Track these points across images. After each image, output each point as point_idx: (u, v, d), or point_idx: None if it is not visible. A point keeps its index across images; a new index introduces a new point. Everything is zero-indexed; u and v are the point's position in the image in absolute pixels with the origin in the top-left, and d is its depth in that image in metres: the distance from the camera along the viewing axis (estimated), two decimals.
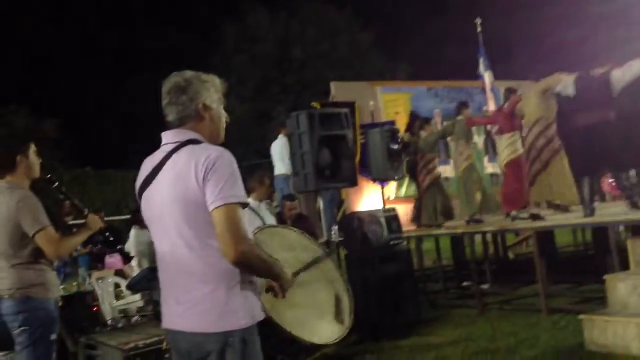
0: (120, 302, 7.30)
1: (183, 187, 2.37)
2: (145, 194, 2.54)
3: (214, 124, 2.59)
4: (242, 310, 2.38)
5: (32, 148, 4.00)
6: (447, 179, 10.21)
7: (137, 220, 10.82)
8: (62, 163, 25.47)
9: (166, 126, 2.57)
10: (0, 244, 3.83)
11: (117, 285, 8.04)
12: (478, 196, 8.63)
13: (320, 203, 8.05)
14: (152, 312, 6.64)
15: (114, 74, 31.17)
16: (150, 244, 9.17)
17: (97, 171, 24.94)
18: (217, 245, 2.33)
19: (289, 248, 3.20)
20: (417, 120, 9.47)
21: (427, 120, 9.38)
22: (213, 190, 2.32)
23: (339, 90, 10.82)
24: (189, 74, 2.56)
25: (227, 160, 2.38)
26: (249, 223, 2.42)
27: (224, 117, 2.64)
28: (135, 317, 5.93)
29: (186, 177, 2.36)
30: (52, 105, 26.20)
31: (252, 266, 2.38)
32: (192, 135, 2.49)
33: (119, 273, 9.77)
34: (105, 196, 24.37)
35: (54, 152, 25.11)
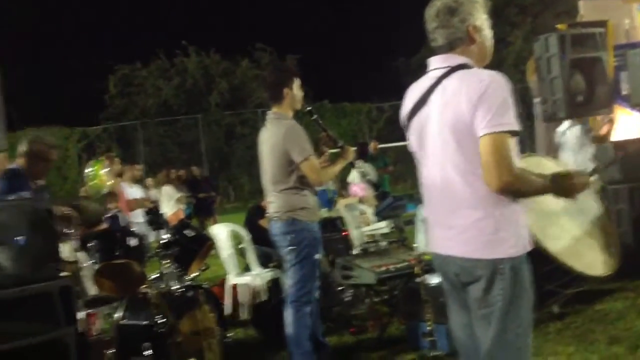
0: (367, 228, 7.64)
1: (454, 113, 2.34)
2: (414, 121, 2.55)
3: (484, 47, 2.50)
4: (513, 238, 2.34)
5: (297, 81, 4.24)
6: None
7: (362, 153, 11.19)
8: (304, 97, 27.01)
9: (434, 51, 2.51)
10: (270, 171, 4.18)
11: (362, 212, 8.41)
12: None
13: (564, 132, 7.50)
14: (398, 239, 6.83)
15: (347, 10, 31.93)
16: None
17: (334, 104, 26.07)
18: None
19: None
20: None
21: None
22: (483, 117, 2.26)
23: (588, 9, 9.88)
24: None
25: (500, 85, 2.29)
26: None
27: (491, 38, 2.54)
28: (384, 243, 6.17)
29: (457, 102, 2.32)
30: (293, 42, 27.74)
31: (517, 195, 2.32)
32: (462, 59, 2.43)
33: (362, 200, 10.22)
34: (342, 128, 25.39)
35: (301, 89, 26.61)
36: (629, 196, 6.11)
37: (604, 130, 7.00)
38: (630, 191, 6.13)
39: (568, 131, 7.04)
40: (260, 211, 6.16)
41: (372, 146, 11.79)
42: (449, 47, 2.46)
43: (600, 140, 6.93)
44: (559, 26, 9.12)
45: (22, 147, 4.47)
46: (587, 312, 5.04)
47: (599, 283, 5.66)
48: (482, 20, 2.48)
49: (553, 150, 9.00)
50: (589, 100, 6.92)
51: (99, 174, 7.51)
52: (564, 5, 23.06)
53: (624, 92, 8.22)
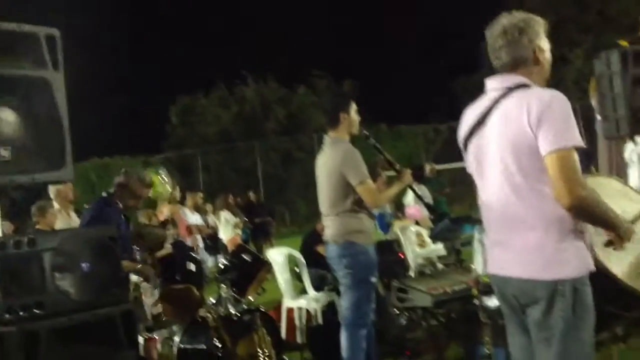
0: (423, 250, 7.58)
1: (514, 133, 2.33)
2: (472, 142, 2.55)
3: (545, 68, 2.49)
4: (573, 259, 2.30)
5: (353, 106, 4.30)
6: None
7: (416, 177, 11.04)
8: (361, 121, 27.08)
9: (493, 71, 2.52)
10: (327, 194, 4.22)
11: (418, 234, 8.34)
12: None
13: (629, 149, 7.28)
14: (455, 261, 6.75)
15: (399, 34, 32.05)
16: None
17: (390, 127, 26.04)
18: (548, 192, 2.27)
19: (612, 198, 2.99)
20: None
21: None
22: (547, 134, 2.24)
23: None
24: (522, 14, 2.47)
25: (561, 102, 2.28)
26: None
27: (549, 60, 2.53)
28: (440, 265, 6.10)
29: (517, 122, 2.31)
30: (349, 68, 27.96)
31: (588, 213, 2.27)
32: (520, 79, 2.42)
33: (418, 222, 10.14)
34: (398, 151, 25.32)
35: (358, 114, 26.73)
36: None
37: None
38: None
39: (636, 147, 6.86)
40: (316, 236, 6.20)
41: (429, 169, 11.69)
42: (513, 66, 2.45)
43: None
44: (621, 42, 8.91)
45: (118, 179, 4.63)
46: None
47: None
48: (545, 42, 2.48)
49: (615, 169, 8.75)
50: None
51: (157, 182, 7.69)
52: (626, 21, 22.56)
53: None
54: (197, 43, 32.96)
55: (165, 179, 7.68)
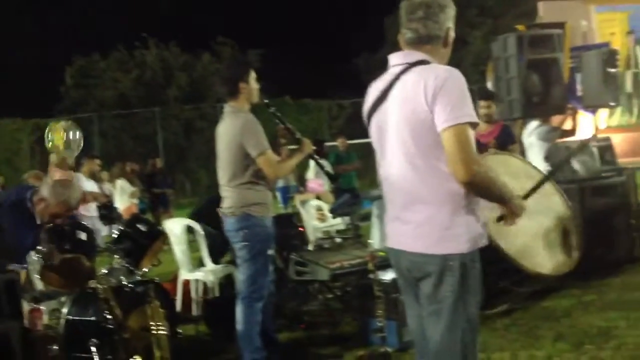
0: (323, 224, 7.65)
1: (411, 108, 2.34)
2: (374, 117, 2.55)
3: (449, 52, 2.51)
4: (465, 234, 2.35)
5: (252, 74, 4.21)
6: None
7: (318, 152, 11.12)
8: (264, 92, 26.85)
9: (396, 48, 2.51)
10: (225, 166, 4.13)
11: (318, 208, 8.42)
12: None
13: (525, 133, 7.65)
14: (353, 235, 6.85)
15: (310, 5, 31.91)
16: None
17: (295, 100, 26.04)
18: (444, 168, 2.31)
19: (513, 176, 3.10)
20: None
21: None
22: (443, 110, 2.26)
23: (547, 11, 10.11)
24: None
25: (457, 79, 2.31)
26: None
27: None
28: (338, 239, 6.17)
29: (415, 97, 2.32)
30: (255, 37, 27.60)
31: (482, 188, 2.31)
32: (421, 56, 2.43)
33: (319, 197, 10.23)
34: (303, 124, 25.37)
35: (258, 82, 26.46)
36: (579, 196, 6.23)
37: (569, 125, 7.25)
38: (581, 191, 6.25)
39: (535, 131, 7.17)
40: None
41: (340, 142, 11.75)
42: (425, 41, 2.44)
43: (568, 135, 7.15)
44: (518, 27, 9.29)
45: (44, 191, 3.78)
46: (533, 309, 5.11)
47: (551, 281, 5.79)
48: (453, 29, 2.50)
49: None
50: (544, 100, 7.05)
51: (58, 137, 7.33)
52: (524, 6, 23.49)
53: (578, 94, 8.41)
54: (96, 2, 31.47)
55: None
